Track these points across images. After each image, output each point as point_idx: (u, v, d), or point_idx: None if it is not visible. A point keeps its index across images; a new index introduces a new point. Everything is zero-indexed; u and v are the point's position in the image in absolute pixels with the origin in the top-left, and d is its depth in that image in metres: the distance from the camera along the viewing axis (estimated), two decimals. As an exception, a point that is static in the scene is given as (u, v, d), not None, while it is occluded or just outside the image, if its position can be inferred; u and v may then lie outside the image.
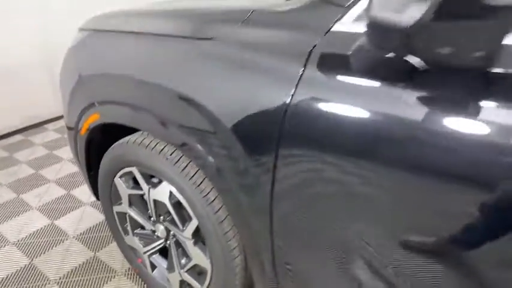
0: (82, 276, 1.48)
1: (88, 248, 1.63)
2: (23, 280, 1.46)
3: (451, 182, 0.56)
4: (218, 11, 0.94)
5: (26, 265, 1.54)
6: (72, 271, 1.50)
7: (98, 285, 1.43)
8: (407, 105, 0.58)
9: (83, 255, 1.59)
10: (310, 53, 0.71)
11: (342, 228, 0.73)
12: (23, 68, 2.79)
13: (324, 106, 0.68)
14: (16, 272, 1.50)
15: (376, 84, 0.63)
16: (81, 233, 1.72)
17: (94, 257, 1.58)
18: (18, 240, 1.68)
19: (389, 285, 0.70)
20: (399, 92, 0.60)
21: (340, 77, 0.67)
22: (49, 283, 1.45)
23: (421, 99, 0.58)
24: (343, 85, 0.67)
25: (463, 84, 0.56)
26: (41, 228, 1.76)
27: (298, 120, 0.71)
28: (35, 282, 1.45)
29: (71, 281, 1.46)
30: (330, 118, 0.67)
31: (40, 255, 1.59)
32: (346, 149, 0.66)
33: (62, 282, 1.45)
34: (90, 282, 1.45)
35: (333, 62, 0.70)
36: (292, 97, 0.71)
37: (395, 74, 0.63)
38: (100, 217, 1.80)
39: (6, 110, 2.76)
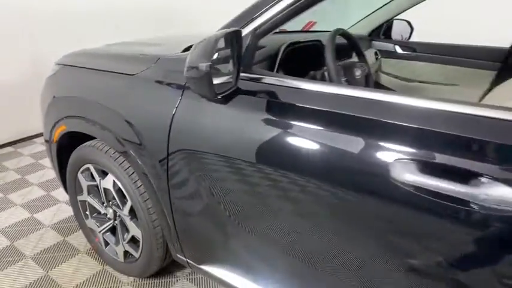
0: (52, 253, 1.88)
1: (59, 234, 2.04)
2: (4, 256, 1.86)
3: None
4: (140, 56, 1.39)
5: (7, 246, 1.93)
6: (44, 250, 1.90)
7: (64, 260, 1.83)
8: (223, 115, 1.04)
9: (54, 239, 1.99)
10: (184, 86, 1.16)
11: (218, 207, 1.15)
12: (14, 86, 3.22)
13: (189, 120, 1.13)
14: (-1, 250, 1.90)
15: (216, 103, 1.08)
16: (55, 223, 2.13)
17: (63, 240, 1.98)
18: (2, 228, 2.08)
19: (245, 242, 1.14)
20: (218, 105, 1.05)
21: (198, 101, 1.12)
22: (25, 258, 1.85)
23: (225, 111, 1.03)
24: (200, 105, 1.12)
25: None
26: (22, 220, 2.17)
27: (176, 130, 1.15)
28: (13, 257, 1.85)
29: (43, 257, 1.86)
30: (192, 128, 1.12)
31: (19, 239, 1.99)
32: (208, 149, 1.10)
33: (35, 257, 1.85)
34: (59, 258, 1.85)
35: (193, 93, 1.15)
36: (174, 114, 1.16)
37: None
38: (71, 211, 2.21)
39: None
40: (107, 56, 1.55)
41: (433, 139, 0.78)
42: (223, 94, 0.99)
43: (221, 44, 0.97)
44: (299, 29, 3.83)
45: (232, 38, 0.95)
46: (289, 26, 1.07)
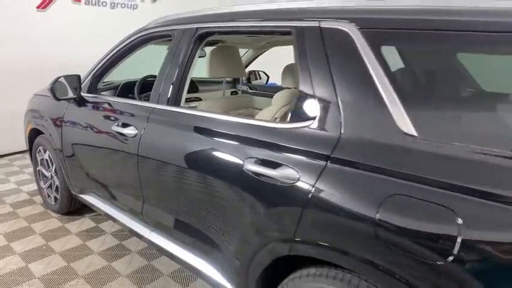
0: (23, 203, 3.23)
1: (30, 196, 3.38)
2: (-5, 202, 3.21)
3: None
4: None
5: (-2, 198, 3.30)
6: (18, 202, 3.25)
7: (28, 206, 3.15)
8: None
9: (25, 197, 3.35)
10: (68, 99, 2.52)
11: (80, 160, 2.46)
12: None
13: (68, 115, 2.46)
14: (-7, 199, 3.26)
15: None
16: (30, 191, 3.50)
17: (30, 198, 3.33)
18: (1, 192, 3.45)
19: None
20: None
21: (71, 106, 2.46)
22: (6, 204, 3.18)
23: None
24: (71, 107, 2.45)
25: None
26: (12, 188, 3.56)
27: (64, 120, 2.49)
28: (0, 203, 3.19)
29: (16, 204, 3.20)
30: (67, 119, 2.45)
31: (6, 197, 3.34)
32: (74, 130, 2.42)
33: (13, 205, 3.20)
34: (25, 205, 3.18)
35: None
36: (64, 113, 2.50)
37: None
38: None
39: (13, 139, 4.68)
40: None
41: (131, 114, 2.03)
42: (65, 100, 2.34)
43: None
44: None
45: (78, 78, 2.31)
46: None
